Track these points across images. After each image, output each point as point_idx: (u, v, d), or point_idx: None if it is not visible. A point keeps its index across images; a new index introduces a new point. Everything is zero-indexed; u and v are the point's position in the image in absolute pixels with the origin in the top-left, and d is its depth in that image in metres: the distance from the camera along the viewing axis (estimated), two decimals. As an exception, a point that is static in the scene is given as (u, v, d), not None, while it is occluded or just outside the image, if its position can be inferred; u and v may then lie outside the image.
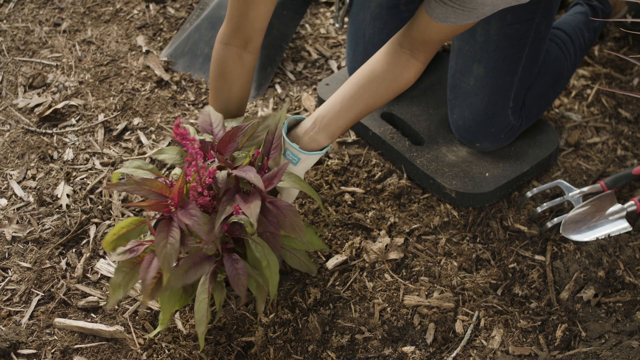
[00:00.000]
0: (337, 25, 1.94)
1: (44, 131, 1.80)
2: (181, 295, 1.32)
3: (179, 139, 1.20)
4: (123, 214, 1.62)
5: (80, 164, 1.73)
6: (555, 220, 1.59)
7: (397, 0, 1.73)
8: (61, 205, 1.63)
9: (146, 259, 1.24)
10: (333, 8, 2.17)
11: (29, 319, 1.43)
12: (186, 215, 1.21)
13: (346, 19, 2.04)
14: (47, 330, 1.41)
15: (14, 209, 1.63)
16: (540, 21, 1.58)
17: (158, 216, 1.34)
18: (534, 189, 1.65)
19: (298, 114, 1.87)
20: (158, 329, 1.38)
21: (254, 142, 1.37)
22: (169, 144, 1.77)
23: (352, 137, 1.80)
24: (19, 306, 1.45)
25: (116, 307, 1.45)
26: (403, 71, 1.44)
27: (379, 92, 1.45)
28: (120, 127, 1.82)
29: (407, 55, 1.43)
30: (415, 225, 1.62)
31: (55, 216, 1.61)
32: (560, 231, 1.58)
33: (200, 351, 1.32)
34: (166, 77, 1.95)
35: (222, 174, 1.27)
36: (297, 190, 1.49)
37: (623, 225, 1.59)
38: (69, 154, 1.75)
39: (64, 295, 1.47)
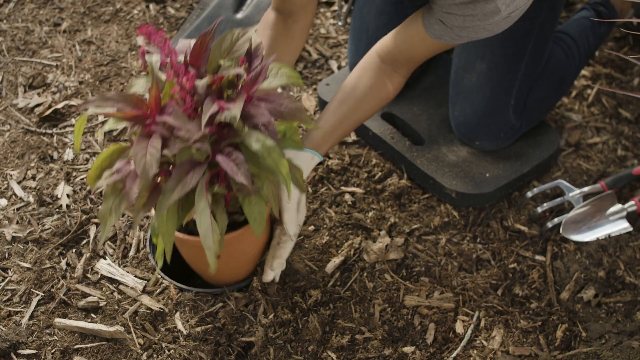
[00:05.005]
0: (339, 23, 1.94)
1: (44, 131, 1.80)
2: (178, 214, 1.22)
3: (145, 38, 1.11)
4: (123, 214, 1.61)
5: (81, 164, 1.73)
6: (556, 220, 1.58)
7: None
8: (61, 206, 1.63)
9: (132, 172, 1.13)
10: (335, 7, 2.17)
11: (29, 319, 1.43)
12: (166, 115, 1.11)
13: (348, 20, 2.04)
14: (47, 331, 1.41)
15: (14, 209, 1.63)
16: (544, 20, 1.59)
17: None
18: (534, 189, 1.65)
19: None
20: (159, 264, 1.26)
21: (234, 56, 1.27)
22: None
23: (352, 137, 1.80)
24: (19, 306, 1.45)
25: (116, 307, 1.45)
26: (386, 87, 1.46)
27: (362, 110, 1.47)
28: (120, 127, 1.81)
29: (389, 70, 1.44)
30: (416, 226, 1.61)
31: (55, 216, 1.61)
32: (561, 231, 1.58)
33: (212, 270, 1.18)
34: (166, 77, 1.95)
35: (202, 82, 1.18)
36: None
37: (623, 226, 1.59)
38: (69, 154, 1.75)
39: (64, 295, 1.47)
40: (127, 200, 1.12)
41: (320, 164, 1.73)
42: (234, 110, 1.12)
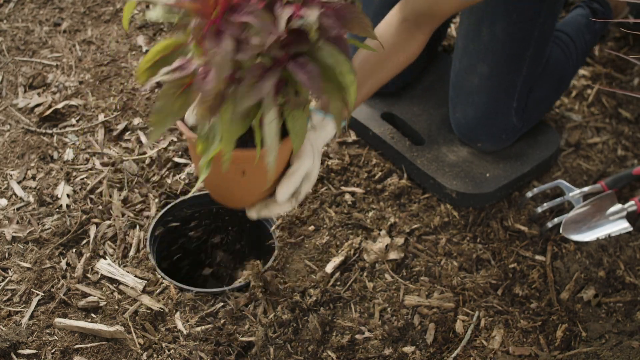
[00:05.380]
0: None
1: (44, 131, 1.80)
2: (244, 120, 1.15)
3: None
4: (123, 214, 1.61)
5: (81, 164, 1.73)
6: (556, 220, 1.58)
7: None
8: (61, 205, 1.63)
9: (202, 69, 1.05)
10: None
11: (29, 319, 1.43)
12: (243, 14, 1.04)
13: None
14: (47, 331, 1.41)
15: (14, 209, 1.63)
16: (544, 20, 1.58)
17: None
18: (535, 189, 1.65)
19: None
20: (203, 175, 1.14)
21: None
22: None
23: (352, 137, 1.80)
24: (19, 306, 1.45)
25: (116, 307, 1.45)
26: (409, 45, 1.41)
27: (386, 68, 1.42)
28: (120, 127, 1.81)
29: (412, 29, 1.40)
30: (416, 226, 1.61)
31: (55, 216, 1.61)
32: (561, 231, 1.58)
33: (269, 183, 1.12)
34: (166, 77, 1.95)
35: None
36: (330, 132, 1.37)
37: (623, 226, 1.59)
38: (69, 154, 1.75)
39: (64, 295, 1.47)
40: (204, 93, 1.04)
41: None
42: (311, 17, 1.06)
